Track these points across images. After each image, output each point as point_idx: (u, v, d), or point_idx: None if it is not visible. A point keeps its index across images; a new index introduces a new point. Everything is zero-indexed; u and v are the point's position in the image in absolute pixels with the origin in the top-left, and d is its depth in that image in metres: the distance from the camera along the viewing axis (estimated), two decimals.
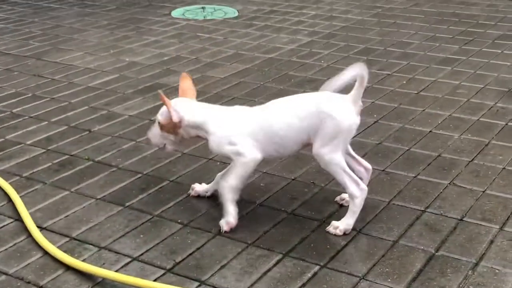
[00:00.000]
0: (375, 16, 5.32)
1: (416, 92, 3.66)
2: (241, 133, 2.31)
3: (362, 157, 2.85)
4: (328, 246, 2.24)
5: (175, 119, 2.33)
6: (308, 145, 2.34)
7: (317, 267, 2.13)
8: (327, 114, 2.25)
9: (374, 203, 2.52)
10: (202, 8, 5.77)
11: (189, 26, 5.09)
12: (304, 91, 3.67)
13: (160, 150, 2.49)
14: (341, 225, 2.30)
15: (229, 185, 2.31)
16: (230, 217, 2.32)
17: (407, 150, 2.96)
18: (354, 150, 2.91)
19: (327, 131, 2.25)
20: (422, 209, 2.48)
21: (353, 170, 2.38)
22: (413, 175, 2.73)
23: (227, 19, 5.32)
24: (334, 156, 2.27)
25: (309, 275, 2.10)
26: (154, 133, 2.43)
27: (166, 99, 2.32)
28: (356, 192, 2.28)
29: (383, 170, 2.77)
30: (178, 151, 2.85)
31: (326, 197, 2.56)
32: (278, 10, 5.56)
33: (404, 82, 3.82)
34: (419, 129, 3.17)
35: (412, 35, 4.76)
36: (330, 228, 2.31)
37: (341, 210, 2.46)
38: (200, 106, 2.42)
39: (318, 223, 2.39)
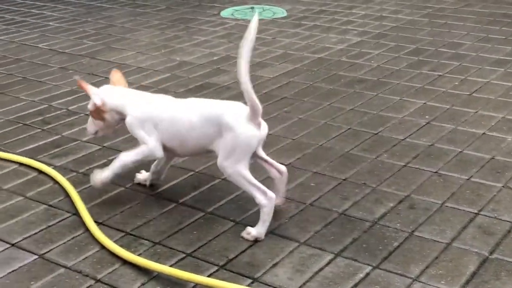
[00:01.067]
0: (425, 16, 5.27)
1: (468, 93, 3.62)
2: (153, 121, 2.39)
3: (414, 158, 2.85)
4: (380, 247, 2.24)
5: (97, 102, 2.47)
6: (210, 151, 2.35)
7: (369, 268, 2.14)
8: (226, 126, 2.25)
9: (426, 205, 2.50)
10: (251, 8, 5.81)
11: (238, 26, 5.14)
12: (354, 91, 3.68)
13: (94, 136, 2.64)
14: (253, 232, 2.30)
15: (120, 158, 2.46)
16: (100, 174, 2.47)
17: (460, 152, 2.93)
18: (406, 151, 2.91)
19: (227, 143, 2.25)
20: (476, 211, 2.45)
21: (268, 173, 2.41)
22: (466, 178, 2.70)
23: (276, 19, 5.34)
24: (237, 169, 2.25)
25: (362, 275, 2.10)
26: (88, 121, 2.61)
27: (85, 84, 2.48)
28: (263, 201, 2.25)
29: (435, 172, 2.75)
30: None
31: (378, 198, 2.56)
32: (327, 10, 5.56)
33: (456, 83, 3.78)
34: (472, 131, 3.13)
35: (464, 35, 4.70)
36: (244, 233, 2.32)
37: (392, 211, 2.46)
38: (122, 91, 2.54)
39: (370, 224, 2.39)
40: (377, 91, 3.69)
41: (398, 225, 2.38)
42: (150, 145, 2.41)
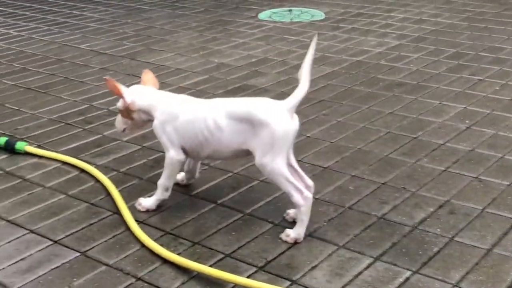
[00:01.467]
0: (465, 20, 5.21)
1: (509, 98, 3.57)
2: (173, 124, 2.40)
3: (454, 163, 2.83)
4: (420, 252, 2.23)
5: (128, 101, 2.49)
6: (246, 152, 2.33)
7: (409, 273, 2.13)
8: (259, 122, 2.23)
9: (467, 210, 2.48)
10: (289, 10, 5.81)
11: (276, 28, 5.15)
12: (393, 95, 3.66)
13: (122, 133, 2.68)
14: (292, 233, 2.29)
15: (158, 183, 2.50)
16: (146, 202, 2.52)
17: (501, 157, 2.89)
18: (446, 155, 2.88)
19: (263, 140, 2.23)
20: None
21: None
22: (507, 183, 2.67)
23: (314, 22, 5.34)
24: (276, 166, 2.23)
25: (401, 280, 2.09)
26: (117, 119, 2.63)
27: (115, 84, 2.49)
28: (300, 201, 2.24)
29: (476, 177, 2.72)
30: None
31: (418, 203, 2.54)
32: (366, 13, 5.54)
33: (497, 88, 3.73)
34: None
35: (505, 40, 4.64)
36: (283, 235, 2.31)
37: (432, 216, 2.45)
38: (152, 92, 2.55)
39: (410, 228, 2.38)
40: (417, 94, 3.66)
41: (438, 230, 2.36)
42: (170, 154, 2.43)
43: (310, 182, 2.39)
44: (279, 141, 2.23)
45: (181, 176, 2.70)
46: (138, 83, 4.03)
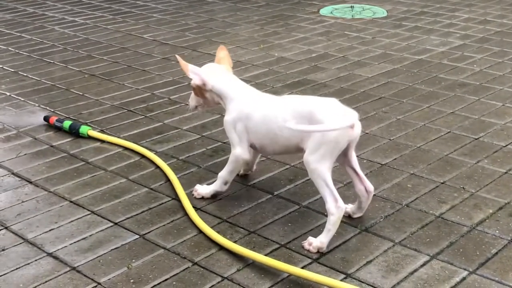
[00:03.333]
0: None
1: None
2: (244, 121, 2.39)
3: None
4: (477, 252, 2.20)
5: (196, 82, 2.49)
6: (301, 150, 2.29)
7: (465, 273, 2.10)
8: (316, 122, 2.19)
9: None
10: (351, 7, 5.78)
11: (337, 25, 5.13)
12: (455, 95, 3.60)
13: (194, 111, 2.70)
14: (315, 242, 2.21)
15: (219, 175, 2.52)
16: (204, 189, 2.55)
17: None
18: (508, 158, 2.82)
19: (315, 138, 2.19)
20: None
21: (354, 187, 2.33)
22: None
23: (375, 19, 5.30)
24: (319, 167, 2.19)
25: (457, 279, 2.07)
26: (191, 96, 2.63)
27: (183, 62, 2.48)
28: (332, 209, 2.17)
29: None
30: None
31: (477, 204, 2.51)
32: (429, 12, 5.46)
33: None
34: None
35: None
36: (305, 244, 2.24)
37: (491, 218, 2.41)
38: (227, 77, 2.52)
39: (468, 229, 2.35)
40: (479, 95, 3.60)
41: (497, 232, 2.32)
42: (236, 151, 2.44)
43: (370, 187, 2.34)
44: (329, 144, 2.19)
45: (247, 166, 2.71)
46: None
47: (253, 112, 2.40)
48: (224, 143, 3.06)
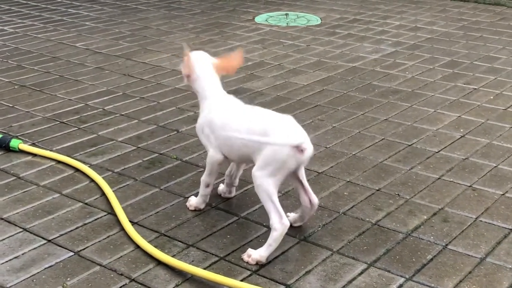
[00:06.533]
0: (461, 28, 5.24)
1: (504, 108, 3.59)
2: (210, 126, 2.42)
3: (448, 172, 2.84)
4: (413, 259, 2.24)
5: (185, 71, 2.51)
6: (252, 162, 2.31)
7: (402, 279, 2.14)
8: (267, 136, 2.22)
9: (460, 218, 2.49)
10: (286, 14, 5.82)
11: (272, 32, 5.16)
12: (388, 102, 3.67)
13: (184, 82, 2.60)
14: (254, 254, 2.22)
15: (201, 179, 2.52)
16: (194, 200, 2.55)
17: (495, 167, 2.91)
18: (440, 163, 2.90)
19: (265, 155, 2.21)
20: (510, 227, 2.44)
21: (299, 197, 2.36)
22: (501, 193, 2.68)
23: (310, 27, 5.35)
24: (265, 183, 2.19)
25: (394, 286, 2.10)
26: (181, 65, 2.58)
27: (188, 53, 2.48)
28: (276, 225, 2.18)
29: (470, 186, 2.74)
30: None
31: (411, 210, 2.55)
32: (362, 19, 5.56)
33: (492, 97, 3.76)
34: (507, 146, 3.11)
35: (500, 49, 4.67)
36: (245, 256, 2.24)
37: (426, 224, 2.46)
38: (212, 79, 2.51)
39: (403, 235, 2.39)
40: (412, 102, 3.68)
41: (432, 238, 2.37)
42: (209, 153, 2.45)
43: (315, 199, 2.35)
44: (277, 163, 2.19)
45: (221, 188, 2.66)
46: (134, 83, 4.05)
47: (215, 118, 2.42)
48: (160, 154, 3.02)
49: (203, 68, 2.52)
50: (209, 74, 2.53)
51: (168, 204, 2.59)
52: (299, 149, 2.18)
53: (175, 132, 3.28)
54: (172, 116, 3.47)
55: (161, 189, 2.71)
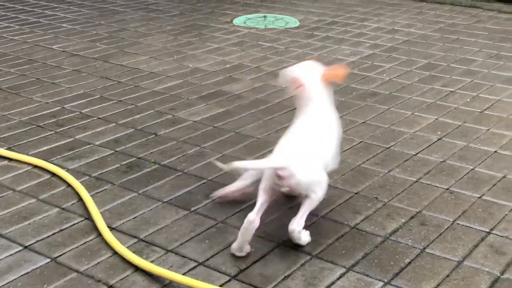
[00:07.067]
0: (437, 31, 5.28)
1: (480, 110, 3.62)
2: None
3: (425, 174, 2.86)
4: (392, 263, 2.25)
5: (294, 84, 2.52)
6: None
7: (381, 283, 2.14)
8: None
9: (438, 222, 2.51)
10: (264, 16, 5.82)
11: (251, 35, 5.15)
12: (366, 105, 3.69)
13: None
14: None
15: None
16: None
17: (472, 169, 2.93)
18: (418, 166, 2.91)
19: None
20: (487, 230, 2.46)
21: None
22: (478, 196, 2.71)
23: (288, 29, 5.36)
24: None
25: None
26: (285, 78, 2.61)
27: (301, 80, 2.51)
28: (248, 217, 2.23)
29: (447, 189, 2.76)
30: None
31: (390, 213, 2.57)
32: (340, 21, 5.57)
33: (468, 100, 3.79)
34: (484, 149, 3.14)
35: (476, 52, 4.71)
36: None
37: (404, 227, 2.47)
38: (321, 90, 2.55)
39: (382, 239, 2.40)
40: (389, 105, 3.70)
41: (410, 241, 2.38)
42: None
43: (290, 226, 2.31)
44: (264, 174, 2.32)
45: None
46: (112, 85, 4.01)
47: None
48: (139, 158, 3.00)
49: (312, 79, 2.52)
50: (317, 84, 2.53)
51: (146, 209, 2.57)
52: (277, 174, 2.23)
53: (153, 135, 3.26)
54: (150, 119, 3.45)
55: (139, 194, 2.69)
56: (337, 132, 2.55)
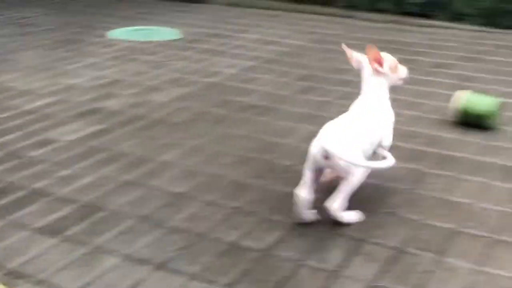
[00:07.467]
0: (313, 41, 5.40)
1: None
2: None
3: None
4: (272, 277, 2.24)
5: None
6: None
7: None
8: None
9: (316, 233, 2.53)
10: (142, 29, 5.72)
11: (128, 48, 5.05)
12: (245, 117, 3.69)
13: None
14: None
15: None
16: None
17: None
18: (296, 177, 2.93)
19: None
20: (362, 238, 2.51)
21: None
22: None
23: (167, 41, 5.30)
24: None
25: None
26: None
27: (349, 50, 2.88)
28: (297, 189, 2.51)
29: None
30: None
31: (270, 227, 2.56)
32: (220, 34, 5.58)
33: (343, 109, 3.85)
34: None
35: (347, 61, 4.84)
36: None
37: (283, 240, 2.47)
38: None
39: (261, 254, 2.38)
40: (268, 116, 3.72)
41: (290, 253, 2.38)
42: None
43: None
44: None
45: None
46: None
47: None
48: (8, 182, 2.83)
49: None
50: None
51: (14, 238, 2.42)
52: (323, 154, 2.48)
53: (23, 158, 3.09)
54: (19, 141, 3.28)
55: (7, 221, 2.53)
56: (386, 119, 2.81)
